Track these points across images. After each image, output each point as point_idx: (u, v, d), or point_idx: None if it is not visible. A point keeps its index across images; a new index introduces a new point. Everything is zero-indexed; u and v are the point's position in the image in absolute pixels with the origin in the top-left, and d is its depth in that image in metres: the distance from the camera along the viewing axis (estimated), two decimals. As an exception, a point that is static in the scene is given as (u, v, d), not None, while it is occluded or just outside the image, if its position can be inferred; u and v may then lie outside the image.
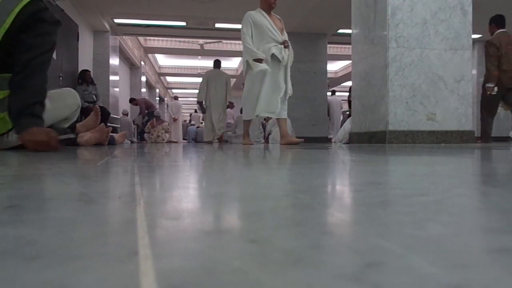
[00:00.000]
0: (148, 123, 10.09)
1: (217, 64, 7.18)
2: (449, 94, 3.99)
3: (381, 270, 0.20)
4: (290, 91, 4.44)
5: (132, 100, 10.74)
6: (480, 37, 8.41)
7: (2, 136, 2.06)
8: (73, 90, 2.43)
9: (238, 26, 4.03)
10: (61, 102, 2.32)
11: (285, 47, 4.20)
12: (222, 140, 6.99)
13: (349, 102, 8.15)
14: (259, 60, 4.09)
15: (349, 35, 5.06)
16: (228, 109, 14.49)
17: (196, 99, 7.54)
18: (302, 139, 4.37)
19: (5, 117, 2.03)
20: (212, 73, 7.06)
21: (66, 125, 2.47)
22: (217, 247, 0.24)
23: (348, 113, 9.96)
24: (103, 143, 3.21)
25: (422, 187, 0.55)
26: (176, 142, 9.35)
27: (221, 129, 6.98)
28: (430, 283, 0.18)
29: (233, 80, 17.84)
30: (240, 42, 4.40)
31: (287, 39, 4.28)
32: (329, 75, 10.31)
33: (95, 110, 3.00)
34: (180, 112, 11.60)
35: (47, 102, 2.17)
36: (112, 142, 3.44)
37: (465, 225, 0.32)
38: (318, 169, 0.91)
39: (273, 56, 4.11)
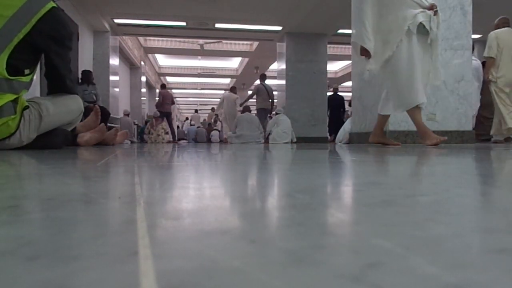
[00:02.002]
0: (148, 124, 10.08)
1: (232, 90, 10.15)
2: (449, 94, 3.99)
3: (381, 270, 0.20)
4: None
5: (163, 86, 10.74)
6: (480, 37, 8.40)
7: (4, 139, 2.07)
8: (77, 96, 2.45)
9: (238, 26, 3.86)
10: (65, 107, 2.33)
11: (434, 13, 3.01)
12: (226, 142, 8.38)
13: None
14: (366, 53, 3.06)
15: (349, 35, 5.06)
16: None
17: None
18: (445, 137, 3.12)
19: (8, 122, 2.04)
20: (227, 94, 9.86)
21: (69, 129, 2.48)
22: (217, 247, 0.24)
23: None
24: (109, 143, 3.24)
25: (422, 187, 0.55)
26: (176, 142, 9.35)
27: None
28: (430, 283, 0.18)
29: (233, 81, 17.88)
30: (240, 42, 4.01)
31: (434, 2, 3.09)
32: (329, 75, 10.30)
33: (95, 110, 3.01)
34: (175, 111, 11.60)
35: (51, 107, 2.21)
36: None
37: (465, 225, 0.32)
38: (318, 169, 0.91)
39: (419, 26, 2.96)
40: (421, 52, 3.00)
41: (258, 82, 9.02)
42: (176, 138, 10.99)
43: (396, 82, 3.07)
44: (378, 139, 3.38)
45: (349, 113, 9.31)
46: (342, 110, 9.68)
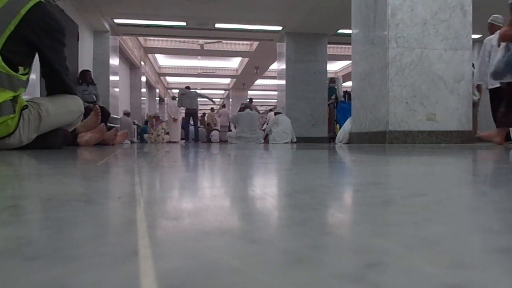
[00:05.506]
0: (148, 124, 10.09)
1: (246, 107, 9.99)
2: (449, 94, 3.99)
3: (381, 270, 0.20)
4: None
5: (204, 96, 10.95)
6: (480, 37, 8.40)
7: (3, 138, 2.07)
8: (77, 97, 2.44)
9: (238, 26, 3.89)
10: (65, 108, 2.33)
11: None
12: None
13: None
14: None
15: (349, 35, 5.06)
16: (223, 109, 14.76)
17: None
18: None
19: (7, 121, 2.04)
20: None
21: (70, 130, 2.48)
22: (217, 247, 0.24)
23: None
24: (109, 143, 3.24)
25: (422, 187, 0.55)
26: (175, 142, 9.35)
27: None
28: (430, 283, 0.18)
29: (233, 81, 17.86)
30: (240, 42, 4.03)
31: None
32: (329, 75, 10.31)
33: (95, 110, 3.01)
34: (179, 112, 11.59)
35: (51, 108, 2.20)
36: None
37: (465, 225, 0.32)
38: (318, 169, 0.91)
39: None
40: None
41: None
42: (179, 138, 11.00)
43: None
44: None
45: None
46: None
